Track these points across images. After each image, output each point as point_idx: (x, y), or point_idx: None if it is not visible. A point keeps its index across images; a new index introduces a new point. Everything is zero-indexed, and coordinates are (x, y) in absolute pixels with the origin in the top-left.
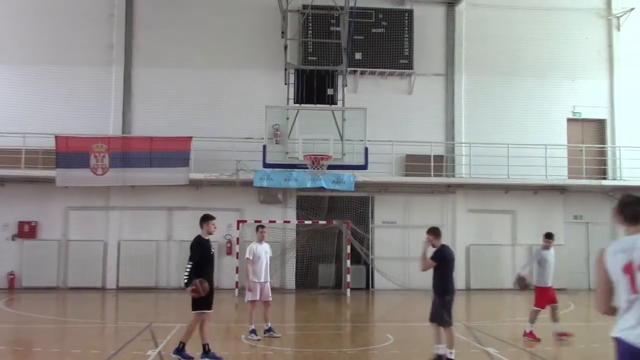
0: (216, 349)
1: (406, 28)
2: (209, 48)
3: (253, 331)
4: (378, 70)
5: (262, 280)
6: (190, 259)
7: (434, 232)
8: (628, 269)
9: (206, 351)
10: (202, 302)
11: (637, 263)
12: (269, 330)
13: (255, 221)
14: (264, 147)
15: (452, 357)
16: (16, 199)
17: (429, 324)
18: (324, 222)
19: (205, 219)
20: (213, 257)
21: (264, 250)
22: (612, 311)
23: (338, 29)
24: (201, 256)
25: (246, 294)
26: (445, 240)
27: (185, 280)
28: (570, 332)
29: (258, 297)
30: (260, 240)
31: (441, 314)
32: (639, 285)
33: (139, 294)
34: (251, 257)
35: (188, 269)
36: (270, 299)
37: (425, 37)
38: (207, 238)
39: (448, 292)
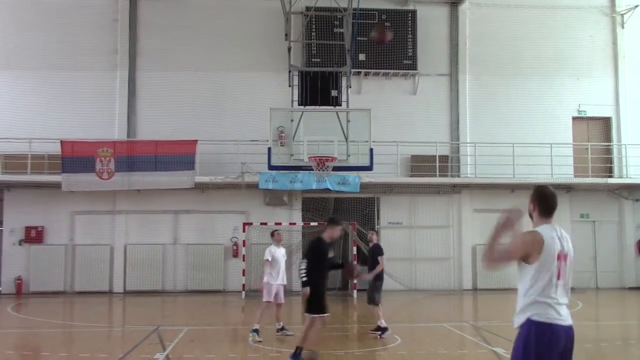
0: (224, 351)
1: (410, 28)
2: (212, 51)
3: (256, 330)
4: (382, 71)
5: (279, 282)
6: (308, 259)
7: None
8: (560, 256)
9: (296, 354)
10: (318, 306)
11: (565, 252)
12: (282, 329)
13: (261, 223)
14: (269, 149)
15: (383, 325)
16: (22, 204)
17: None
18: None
19: (332, 223)
20: (330, 260)
21: (282, 254)
22: (491, 269)
23: (341, 30)
24: (319, 258)
25: (264, 294)
26: (451, 240)
27: (304, 280)
28: None
29: (272, 299)
30: (278, 242)
31: (373, 295)
32: (562, 272)
33: (146, 297)
34: (270, 259)
35: (304, 270)
36: (283, 301)
37: (429, 37)
38: (328, 241)
39: (379, 278)
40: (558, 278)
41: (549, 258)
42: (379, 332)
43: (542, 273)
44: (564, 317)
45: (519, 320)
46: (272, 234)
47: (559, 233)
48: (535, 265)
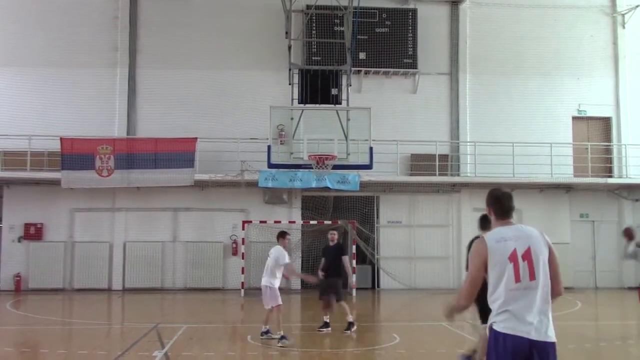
0: (222, 349)
1: (410, 27)
2: (213, 49)
3: (284, 337)
4: (382, 69)
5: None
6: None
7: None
8: (513, 257)
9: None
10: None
11: (521, 252)
12: (267, 332)
13: (261, 221)
14: (269, 147)
15: (351, 320)
16: (22, 201)
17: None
18: (329, 222)
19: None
20: None
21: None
22: (465, 310)
23: (342, 28)
24: None
25: (275, 297)
26: (450, 239)
27: None
28: None
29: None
30: (285, 246)
31: (341, 292)
32: (522, 274)
33: (145, 294)
34: (288, 261)
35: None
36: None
37: (430, 36)
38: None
39: (343, 275)
40: (517, 281)
41: (497, 261)
42: (352, 329)
43: (496, 278)
44: (529, 327)
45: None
46: (282, 235)
47: (516, 233)
48: (490, 269)
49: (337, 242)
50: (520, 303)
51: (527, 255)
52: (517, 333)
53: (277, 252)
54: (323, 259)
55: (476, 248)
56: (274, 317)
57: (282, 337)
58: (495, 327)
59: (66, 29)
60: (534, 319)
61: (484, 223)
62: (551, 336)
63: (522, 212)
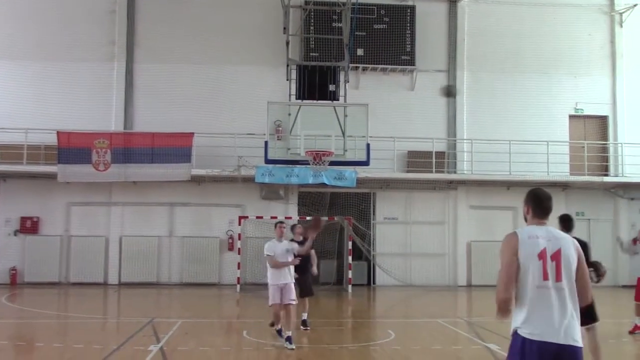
0: (218, 343)
1: (408, 24)
2: (210, 44)
3: (280, 331)
4: (380, 66)
5: (282, 282)
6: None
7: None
8: (542, 255)
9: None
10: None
11: (550, 252)
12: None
13: (257, 217)
14: (266, 143)
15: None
16: (18, 195)
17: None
18: (326, 218)
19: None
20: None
21: (285, 249)
22: (509, 301)
23: (340, 25)
24: None
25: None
26: (446, 236)
27: None
28: None
29: (278, 300)
30: (280, 237)
31: (311, 289)
32: (549, 273)
33: (141, 289)
34: (272, 254)
35: None
36: (292, 301)
37: (427, 33)
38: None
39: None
40: (544, 278)
41: (526, 255)
42: (307, 326)
43: (523, 272)
44: (556, 331)
45: (513, 324)
46: (276, 226)
47: (548, 234)
48: (519, 264)
49: (304, 237)
50: (546, 303)
51: (557, 256)
52: (545, 338)
53: (266, 245)
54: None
55: (507, 240)
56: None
57: (279, 331)
58: (520, 332)
59: (63, 22)
60: (561, 322)
61: (569, 224)
62: (578, 341)
63: (518, 210)
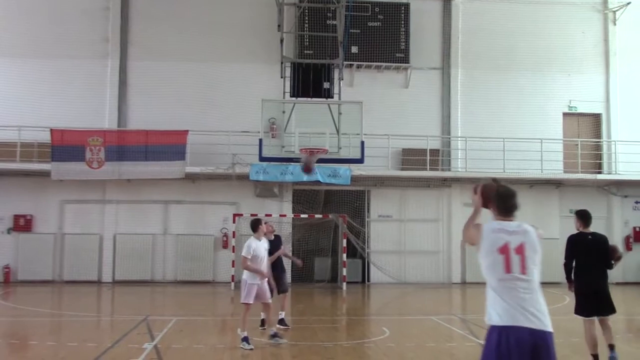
0: (212, 341)
1: (403, 22)
2: (205, 41)
3: (246, 339)
4: (374, 63)
5: (259, 281)
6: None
7: None
8: (504, 249)
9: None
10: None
11: (514, 245)
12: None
13: (252, 215)
14: (260, 140)
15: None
16: (11, 193)
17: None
18: (320, 215)
19: (583, 216)
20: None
21: (264, 248)
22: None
23: (334, 22)
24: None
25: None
26: (440, 233)
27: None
28: None
29: (252, 300)
30: (260, 235)
31: (287, 286)
32: (512, 266)
33: (135, 287)
34: (249, 256)
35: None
36: (267, 300)
37: (422, 30)
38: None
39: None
40: (507, 272)
41: (487, 250)
42: (286, 326)
43: (487, 269)
44: (527, 318)
45: (487, 318)
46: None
47: (509, 227)
48: (481, 256)
49: (276, 234)
50: (512, 294)
51: (521, 250)
52: (519, 323)
53: (246, 243)
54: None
55: (474, 229)
56: (241, 315)
57: (245, 339)
58: (494, 324)
59: (57, 19)
60: (531, 310)
61: (587, 219)
62: (549, 326)
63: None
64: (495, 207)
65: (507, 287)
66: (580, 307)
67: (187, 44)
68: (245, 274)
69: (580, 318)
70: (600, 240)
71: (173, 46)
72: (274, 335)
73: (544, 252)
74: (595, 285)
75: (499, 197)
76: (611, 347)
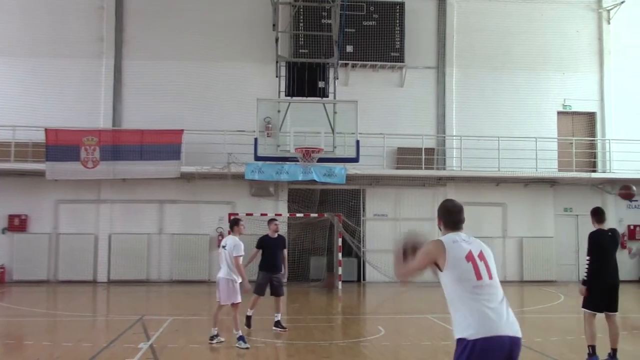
0: (208, 340)
1: (397, 21)
2: (200, 40)
3: (242, 338)
4: (369, 63)
5: (238, 281)
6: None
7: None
8: (470, 257)
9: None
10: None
11: (476, 253)
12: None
13: (247, 214)
14: (256, 140)
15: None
16: (6, 192)
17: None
18: (316, 215)
19: (596, 213)
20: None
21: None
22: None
23: (329, 21)
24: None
25: (236, 293)
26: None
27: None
28: None
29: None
30: (239, 235)
31: (282, 289)
32: (482, 273)
33: (130, 287)
34: (240, 254)
35: (587, 265)
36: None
37: (417, 30)
38: (604, 229)
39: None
40: (478, 278)
41: (455, 258)
42: (283, 328)
43: (455, 280)
44: (505, 324)
45: (456, 333)
46: (237, 223)
47: (464, 238)
48: (447, 269)
49: (279, 234)
50: (486, 301)
51: (482, 257)
52: (498, 332)
53: (235, 242)
54: (260, 252)
55: (431, 245)
56: (233, 315)
57: (240, 338)
58: (469, 337)
59: (51, 18)
60: (506, 315)
61: (601, 217)
62: (519, 331)
63: (507, 206)
64: (444, 223)
65: (482, 294)
66: (591, 302)
67: (181, 43)
68: (229, 274)
69: (581, 314)
70: (618, 238)
71: (168, 45)
72: (216, 336)
73: (539, 251)
74: (613, 281)
75: (447, 212)
76: (614, 351)
